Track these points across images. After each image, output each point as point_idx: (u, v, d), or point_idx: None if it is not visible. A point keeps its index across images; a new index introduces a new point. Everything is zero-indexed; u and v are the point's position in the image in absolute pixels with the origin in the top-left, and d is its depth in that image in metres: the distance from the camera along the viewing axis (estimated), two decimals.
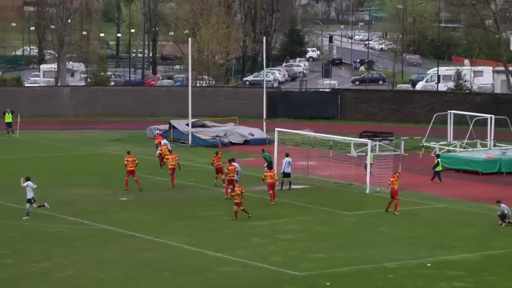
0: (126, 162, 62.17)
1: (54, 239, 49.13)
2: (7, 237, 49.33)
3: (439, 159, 66.84)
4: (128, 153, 64.04)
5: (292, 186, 63.56)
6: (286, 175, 62.58)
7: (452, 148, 76.87)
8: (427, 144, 78.54)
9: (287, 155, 63.66)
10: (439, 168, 66.17)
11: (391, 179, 57.50)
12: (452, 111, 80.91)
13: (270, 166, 63.76)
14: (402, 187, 61.36)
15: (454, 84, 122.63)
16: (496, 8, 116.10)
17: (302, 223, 53.63)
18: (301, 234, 50.82)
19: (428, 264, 44.31)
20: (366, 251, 47.12)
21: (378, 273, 42.78)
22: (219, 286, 40.62)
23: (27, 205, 52.29)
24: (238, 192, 53.43)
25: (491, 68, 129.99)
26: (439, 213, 57.18)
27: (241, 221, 53.56)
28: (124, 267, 43.83)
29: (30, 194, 52.25)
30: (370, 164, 65.41)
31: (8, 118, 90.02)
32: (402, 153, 73.55)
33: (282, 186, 62.25)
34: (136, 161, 62.67)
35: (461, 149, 76.44)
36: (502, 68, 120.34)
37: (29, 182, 52.25)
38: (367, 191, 62.48)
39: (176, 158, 63.42)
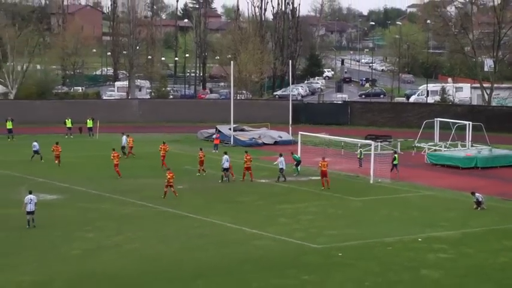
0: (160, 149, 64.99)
1: (125, 218, 49.21)
2: (88, 217, 49.44)
3: (396, 155, 66.47)
4: (163, 143, 67.92)
5: (312, 178, 63.42)
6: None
7: (438, 148, 76.50)
8: (418, 145, 78.36)
9: (280, 155, 63.27)
10: (396, 162, 65.77)
11: (321, 163, 59.56)
12: (438, 118, 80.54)
13: (298, 163, 64.01)
14: (399, 179, 61.36)
15: (439, 97, 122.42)
16: (473, 38, 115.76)
17: (319, 206, 53.52)
18: (319, 215, 50.75)
19: (419, 239, 44.10)
20: (370, 229, 46.95)
21: (379, 246, 42.61)
22: (254, 256, 40.52)
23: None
24: (169, 177, 54.58)
25: (470, 84, 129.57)
26: (427, 199, 56.89)
27: (272, 205, 53.59)
28: (180, 240, 43.81)
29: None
30: (360, 158, 68.13)
31: (89, 124, 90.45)
32: (399, 151, 73.08)
33: (278, 179, 61.70)
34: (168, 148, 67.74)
35: (445, 149, 76.10)
36: (477, 85, 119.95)
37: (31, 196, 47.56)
38: (371, 181, 62.31)
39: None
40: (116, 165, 63.31)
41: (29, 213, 46.44)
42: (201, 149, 65.64)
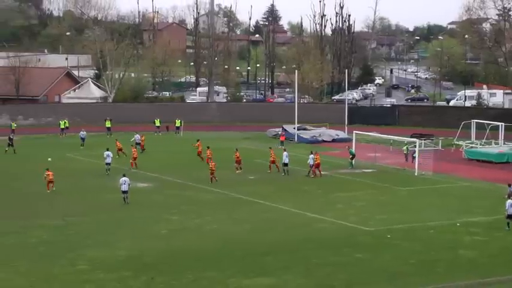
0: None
1: (205, 203, 49.45)
2: (174, 202, 49.83)
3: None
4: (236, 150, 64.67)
5: (364, 170, 63.19)
6: (285, 165, 60.73)
7: (475, 145, 75.47)
8: (457, 143, 77.29)
9: (285, 150, 62.78)
10: (415, 155, 65.01)
11: (316, 157, 59.82)
12: (474, 120, 79.48)
13: (353, 157, 63.64)
14: (439, 171, 60.72)
15: (475, 101, 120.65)
16: (505, 50, 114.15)
17: (371, 195, 53.22)
18: (370, 202, 50.45)
19: (458, 224, 43.65)
20: (414, 214, 46.59)
21: (423, 229, 42.26)
22: (315, 236, 40.45)
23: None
24: (211, 166, 56.71)
25: (502, 91, 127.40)
26: (464, 190, 56.24)
27: (330, 193, 53.43)
28: (251, 223, 43.92)
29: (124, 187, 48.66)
30: (406, 153, 67.48)
31: (177, 123, 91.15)
32: (440, 148, 72.31)
33: (284, 173, 60.53)
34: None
35: (481, 146, 75.07)
36: (509, 91, 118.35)
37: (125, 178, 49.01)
38: (416, 174, 61.76)
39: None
40: (199, 152, 65.90)
41: (123, 192, 48.31)
42: (236, 150, 63.67)
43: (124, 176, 49.21)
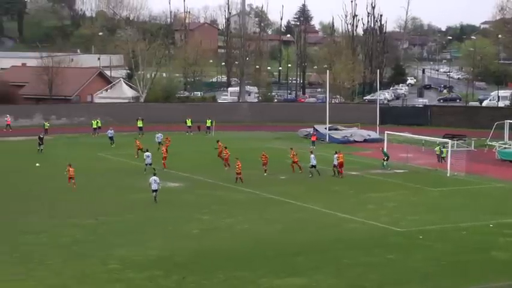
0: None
1: (236, 203, 49.50)
2: (205, 202, 49.91)
3: (444, 149, 65.75)
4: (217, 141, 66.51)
5: (396, 171, 62.92)
6: (313, 167, 60.06)
7: (508, 146, 74.84)
8: (490, 143, 76.75)
9: (311, 152, 62.28)
10: (443, 155, 65.60)
11: (339, 156, 59.92)
12: (508, 120, 78.82)
13: (387, 158, 63.30)
14: (471, 172, 60.31)
15: (509, 102, 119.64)
16: None
17: (402, 195, 53.00)
18: (402, 203, 50.24)
19: (491, 225, 43.34)
20: (446, 215, 46.33)
21: (455, 230, 42.03)
22: (346, 237, 40.38)
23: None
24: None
25: None
26: (498, 190, 55.84)
27: (361, 194, 53.27)
28: (282, 223, 43.90)
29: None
30: (442, 155, 66.65)
31: (208, 123, 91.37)
32: (472, 149, 71.90)
33: (311, 175, 59.81)
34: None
35: None
36: None
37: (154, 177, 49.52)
38: (448, 175, 61.40)
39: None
40: (220, 153, 65.01)
41: (153, 191, 48.73)
42: (264, 151, 63.39)
43: (154, 175, 49.71)
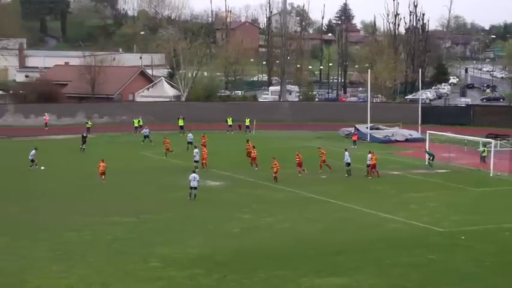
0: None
1: (276, 202, 49.48)
2: (246, 200, 49.98)
3: (485, 149, 65.12)
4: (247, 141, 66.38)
5: (438, 171, 62.48)
6: (348, 164, 59.77)
7: None
8: None
9: (346, 150, 61.85)
10: (484, 154, 65.35)
11: (373, 157, 59.18)
12: None
13: (433, 158, 62.76)
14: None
15: None
16: None
17: (444, 195, 52.60)
18: (444, 203, 49.85)
19: None
20: (489, 215, 45.87)
21: (497, 231, 41.58)
22: (387, 236, 40.15)
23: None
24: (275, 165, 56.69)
25: None
26: None
27: (402, 193, 53.02)
28: (323, 222, 43.81)
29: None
30: (483, 155, 66.36)
31: (247, 122, 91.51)
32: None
33: (347, 174, 59.53)
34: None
35: None
36: None
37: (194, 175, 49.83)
38: (491, 175, 60.79)
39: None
40: (248, 152, 65.00)
41: (192, 188, 49.03)
42: (298, 152, 61.90)
43: (194, 172, 50.04)
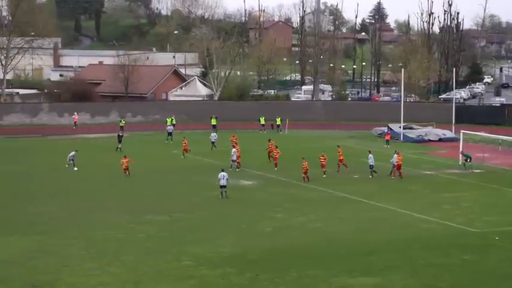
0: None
1: (308, 202, 49.43)
2: (278, 200, 49.96)
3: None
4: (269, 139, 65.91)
5: (473, 171, 62.01)
6: (371, 167, 58.95)
7: None
8: None
9: (369, 152, 60.71)
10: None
11: (399, 158, 58.39)
12: None
13: (470, 160, 62.20)
14: None
15: None
16: None
17: (478, 195, 52.22)
18: (477, 203, 49.51)
19: None
20: None
21: None
22: (421, 236, 39.95)
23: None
24: (304, 165, 56.31)
25: None
26: None
27: (436, 193, 52.71)
28: (356, 222, 43.69)
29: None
30: None
31: (278, 121, 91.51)
32: None
33: (371, 175, 58.80)
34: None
35: None
36: None
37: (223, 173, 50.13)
38: None
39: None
40: (270, 152, 65.01)
41: (221, 186, 49.36)
42: (323, 153, 61.36)
43: (223, 170, 50.19)
